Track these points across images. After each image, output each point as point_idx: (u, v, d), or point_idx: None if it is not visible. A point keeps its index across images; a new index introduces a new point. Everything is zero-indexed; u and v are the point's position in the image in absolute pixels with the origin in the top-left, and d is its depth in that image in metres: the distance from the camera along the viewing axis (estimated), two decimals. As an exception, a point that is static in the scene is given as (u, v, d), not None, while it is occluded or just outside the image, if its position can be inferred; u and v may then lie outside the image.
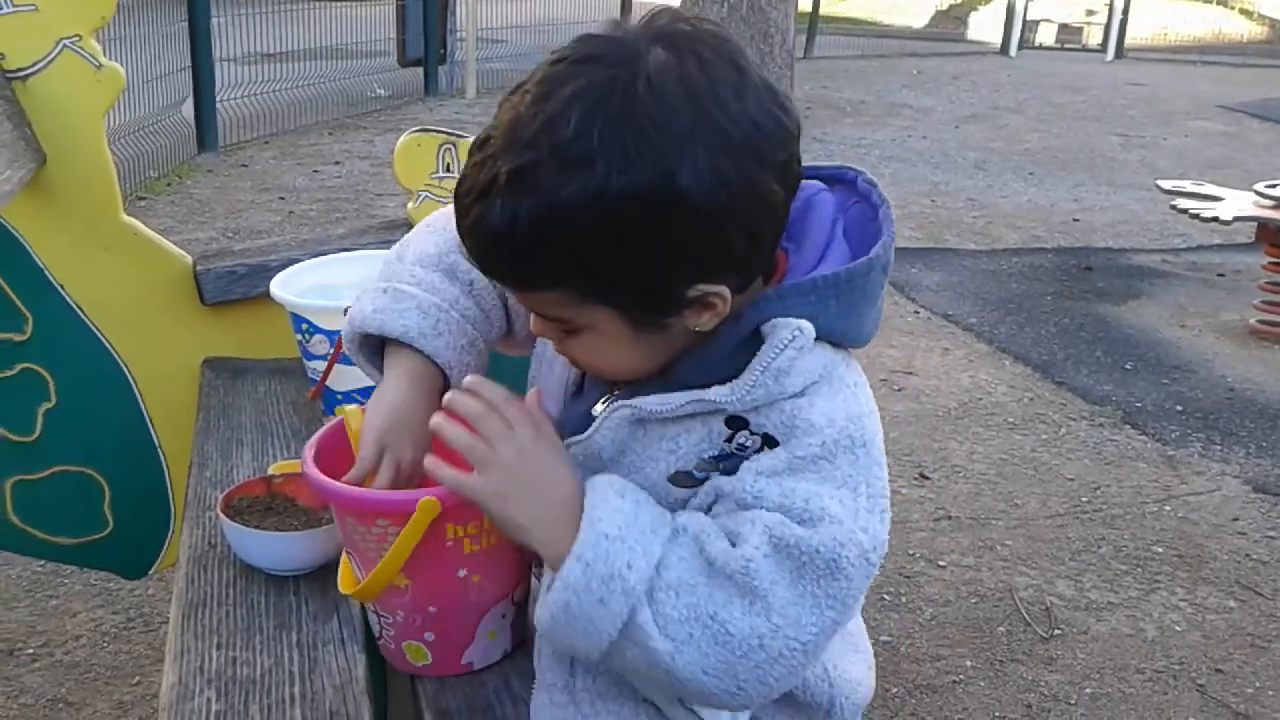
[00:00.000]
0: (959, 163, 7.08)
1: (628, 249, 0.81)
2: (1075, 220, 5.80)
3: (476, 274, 1.05)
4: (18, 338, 1.81)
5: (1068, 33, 14.54)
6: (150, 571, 2.02)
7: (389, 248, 1.82)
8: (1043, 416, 3.42)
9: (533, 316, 0.91)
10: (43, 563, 2.37)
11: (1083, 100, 9.83)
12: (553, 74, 0.82)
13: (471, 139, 2.02)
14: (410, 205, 1.94)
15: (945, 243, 5.28)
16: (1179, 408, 3.50)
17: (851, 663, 1.03)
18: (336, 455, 1.04)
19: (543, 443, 0.92)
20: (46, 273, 1.80)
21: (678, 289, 0.84)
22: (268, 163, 6.35)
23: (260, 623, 1.16)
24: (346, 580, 1.05)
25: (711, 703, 0.90)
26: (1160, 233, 5.60)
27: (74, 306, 1.82)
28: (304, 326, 1.56)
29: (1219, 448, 3.24)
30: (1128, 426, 3.37)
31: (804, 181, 0.91)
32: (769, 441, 0.87)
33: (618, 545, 0.84)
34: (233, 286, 1.86)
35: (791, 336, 0.85)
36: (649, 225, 0.80)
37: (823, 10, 12.80)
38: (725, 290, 0.85)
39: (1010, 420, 3.38)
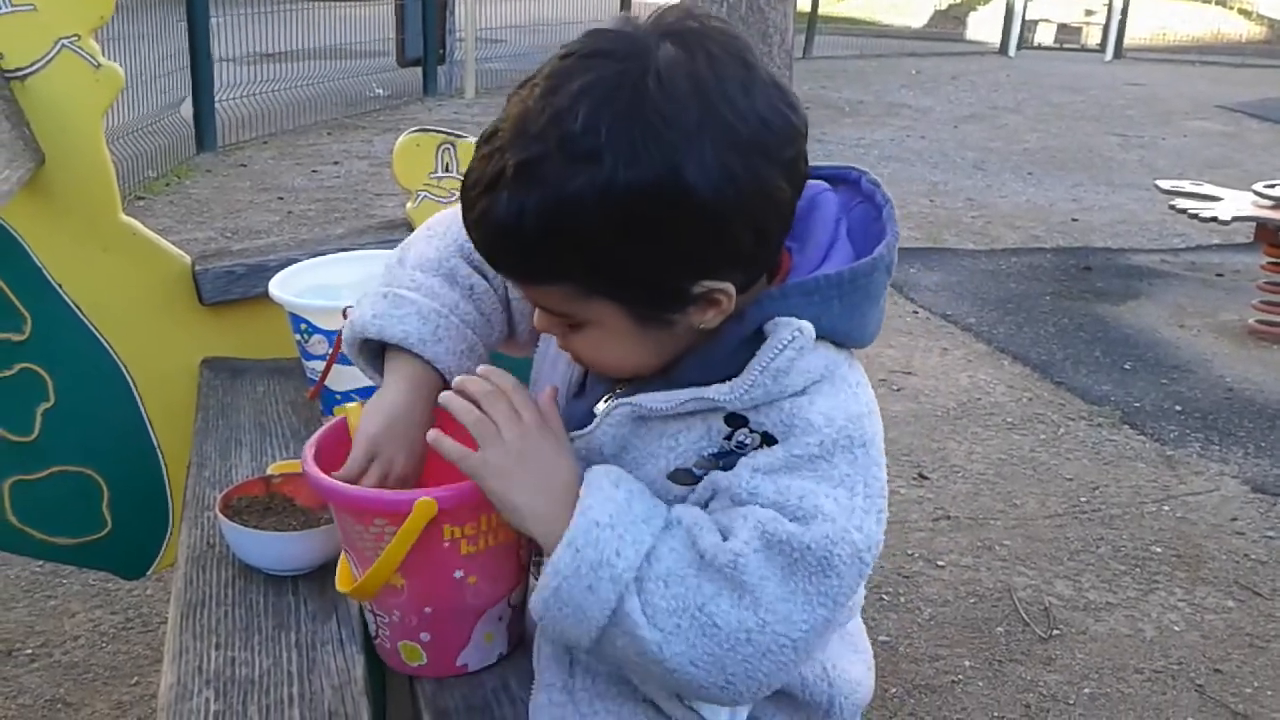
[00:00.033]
0: (958, 163, 7.09)
1: (633, 243, 0.81)
2: (1074, 220, 5.80)
3: (477, 279, 1.05)
4: (16, 338, 1.81)
5: (1066, 33, 14.55)
6: (149, 572, 2.02)
7: (388, 248, 1.83)
8: (1041, 416, 3.43)
9: (537, 311, 0.92)
10: (41, 563, 2.37)
11: (1081, 100, 9.84)
12: (561, 68, 0.82)
13: (470, 139, 2.03)
14: (409, 205, 1.94)
15: (944, 243, 5.28)
16: (1178, 408, 3.51)
17: (851, 663, 1.03)
18: (337, 454, 1.04)
19: (547, 430, 0.93)
20: (45, 272, 1.79)
21: (683, 285, 0.84)
22: (266, 163, 6.34)
23: (259, 623, 1.16)
24: (344, 578, 1.06)
25: (703, 696, 0.90)
26: (1159, 233, 5.60)
27: (72, 306, 1.82)
28: (303, 326, 1.56)
29: (1217, 448, 3.24)
30: (1126, 426, 3.37)
31: (808, 181, 0.91)
32: (768, 439, 0.87)
33: (608, 533, 0.85)
34: (231, 286, 1.86)
35: (791, 337, 0.85)
36: (655, 220, 0.80)
37: (821, 10, 12.80)
38: (730, 287, 0.85)
39: (1009, 420, 3.39)
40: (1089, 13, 14.34)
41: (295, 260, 1.73)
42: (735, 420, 0.88)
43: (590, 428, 0.93)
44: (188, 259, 1.88)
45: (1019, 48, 13.20)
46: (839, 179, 0.96)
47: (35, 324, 1.81)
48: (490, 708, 1.05)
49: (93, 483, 1.90)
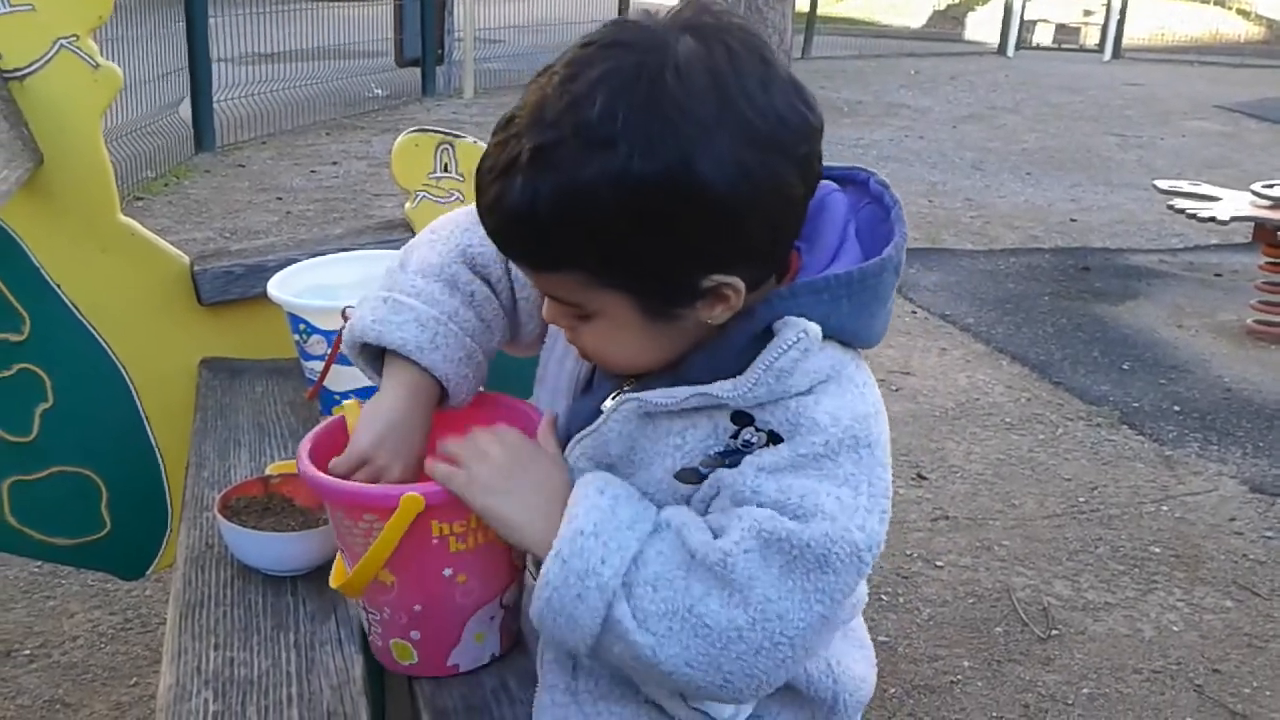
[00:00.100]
0: (956, 163, 7.09)
1: (644, 234, 0.81)
2: (1072, 220, 5.81)
3: (478, 285, 1.05)
4: (15, 338, 1.81)
5: (1065, 33, 14.56)
6: (148, 572, 2.02)
7: (387, 248, 1.84)
8: (1040, 417, 3.43)
9: (546, 301, 0.92)
10: (40, 563, 2.36)
11: (1080, 100, 9.84)
12: (581, 57, 0.82)
13: (469, 139, 2.04)
14: (408, 205, 1.94)
15: (943, 243, 5.28)
16: (1176, 408, 3.51)
17: (855, 659, 1.04)
18: (333, 451, 1.04)
19: (534, 446, 0.96)
20: (43, 273, 1.79)
21: (692, 278, 0.84)
22: (265, 163, 6.34)
23: (258, 623, 1.16)
24: (337, 574, 1.06)
25: (704, 695, 0.91)
26: (1157, 233, 5.61)
27: (71, 307, 1.82)
28: (301, 327, 1.56)
29: (1216, 448, 3.24)
30: (1125, 426, 3.37)
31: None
32: (773, 438, 0.87)
33: (592, 541, 0.86)
34: (230, 287, 1.86)
35: (797, 338, 0.85)
36: (667, 211, 0.80)
37: (820, 10, 12.81)
38: (739, 283, 0.85)
39: (1007, 420, 3.39)
40: (1087, 13, 14.34)
41: (294, 260, 1.73)
42: (742, 418, 0.88)
43: (597, 424, 0.93)
44: (186, 259, 1.88)
45: (1017, 48, 13.20)
46: (847, 179, 0.97)
47: (34, 324, 1.81)
48: (489, 708, 1.05)
49: (91, 483, 1.90)
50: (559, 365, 1.04)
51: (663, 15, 0.84)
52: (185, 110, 6.51)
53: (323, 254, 1.79)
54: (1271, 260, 4.08)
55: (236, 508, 1.26)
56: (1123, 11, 13.24)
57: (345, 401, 1.12)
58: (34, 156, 1.69)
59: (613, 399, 0.96)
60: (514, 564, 1.06)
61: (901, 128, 8.18)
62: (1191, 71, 12.37)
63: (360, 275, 1.70)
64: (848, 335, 0.90)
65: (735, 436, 0.88)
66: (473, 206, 1.09)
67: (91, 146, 1.75)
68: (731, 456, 0.89)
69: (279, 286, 1.59)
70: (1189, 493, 2.97)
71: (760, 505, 0.86)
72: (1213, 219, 4.13)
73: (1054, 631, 2.36)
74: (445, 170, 1.91)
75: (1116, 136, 8.20)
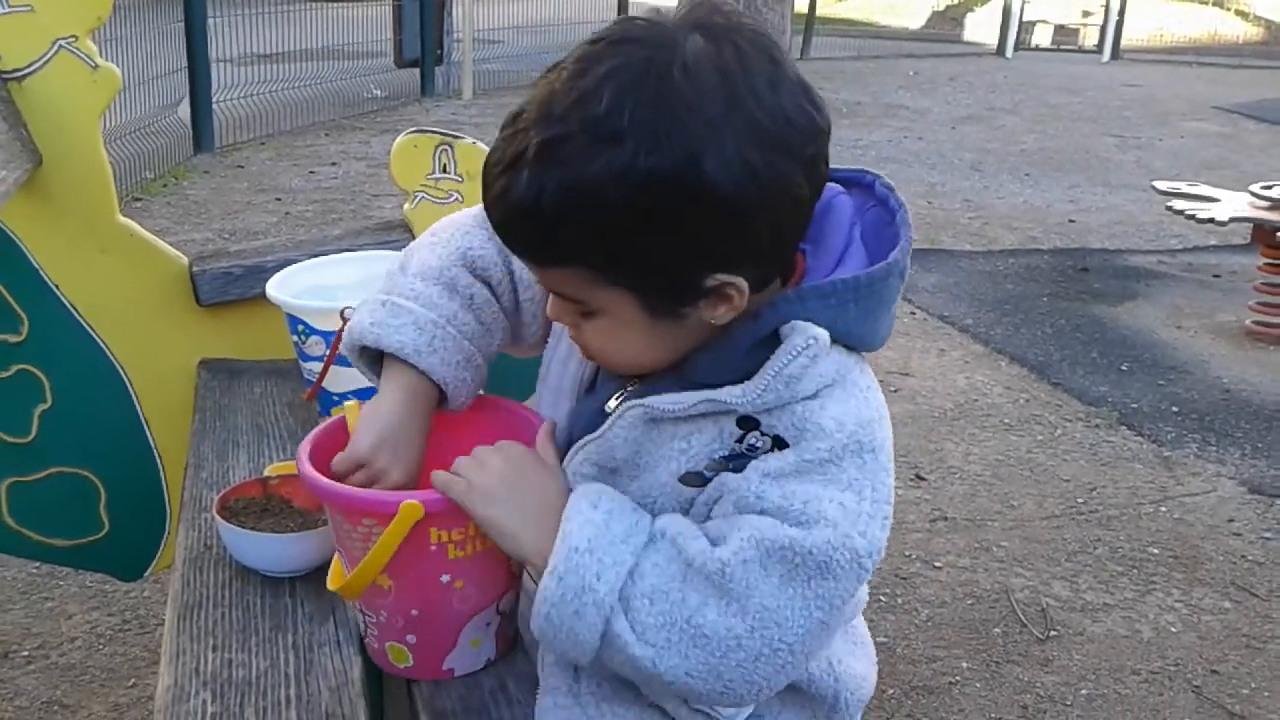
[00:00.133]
0: (955, 164, 7.09)
1: (649, 231, 0.81)
2: (1071, 221, 5.81)
3: (478, 288, 1.05)
4: (13, 339, 1.81)
5: (1064, 34, 14.56)
6: (146, 573, 2.01)
7: (385, 249, 1.84)
8: (1039, 418, 3.43)
9: (550, 298, 0.92)
10: (38, 564, 2.36)
11: (1079, 101, 9.85)
12: (590, 52, 0.82)
13: (468, 140, 2.04)
14: (407, 206, 1.94)
15: (941, 244, 5.28)
16: (1175, 409, 3.51)
17: (856, 658, 1.04)
18: (333, 452, 1.04)
19: (535, 457, 0.97)
20: (42, 274, 1.79)
21: (696, 277, 0.84)
22: (264, 164, 6.34)
23: (256, 624, 1.16)
24: (335, 576, 1.06)
25: (705, 702, 0.92)
26: (1156, 234, 5.61)
27: (70, 308, 1.82)
28: (300, 328, 1.56)
29: (1214, 449, 3.24)
30: (1123, 427, 3.37)
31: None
32: (779, 443, 0.87)
33: (587, 558, 0.87)
34: (229, 287, 1.86)
35: (806, 344, 0.85)
36: (672, 208, 0.80)
37: (819, 11, 12.81)
38: (743, 283, 0.85)
39: (1006, 421, 3.39)
40: (1086, 14, 14.35)
41: (293, 261, 1.73)
42: (747, 423, 0.88)
43: (602, 430, 0.93)
44: (185, 260, 1.88)
45: (1016, 49, 13.21)
46: (853, 182, 0.97)
47: (32, 325, 1.81)
48: (488, 709, 1.05)
49: (90, 484, 1.90)
50: (562, 366, 1.04)
51: (673, 14, 0.84)
52: (184, 111, 6.51)
53: (321, 255, 1.79)
54: (1270, 261, 4.08)
55: (235, 509, 1.26)
56: (1121, 12, 13.25)
57: (346, 402, 1.12)
58: (33, 157, 1.69)
59: (616, 400, 0.96)
60: (511, 571, 1.06)
61: (900, 129, 8.19)
62: (1190, 72, 12.38)
63: (359, 276, 1.70)
64: (853, 339, 0.90)
65: (740, 441, 0.88)
66: (475, 209, 1.09)
67: (90, 147, 1.75)
68: (736, 460, 0.89)
69: (278, 287, 1.59)
70: (1187, 494, 2.98)
71: (763, 511, 0.86)
72: (1211, 220, 4.13)
73: (1052, 632, 2.36)
74: (444, 171, 1.91)
75: (1115, 137, 8.20)
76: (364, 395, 1.09)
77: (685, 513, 0.92)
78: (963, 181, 6.61)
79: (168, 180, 5.84)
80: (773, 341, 0.87)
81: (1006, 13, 13.16)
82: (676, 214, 0.80)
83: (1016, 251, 5.23)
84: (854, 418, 0.87)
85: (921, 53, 12.90)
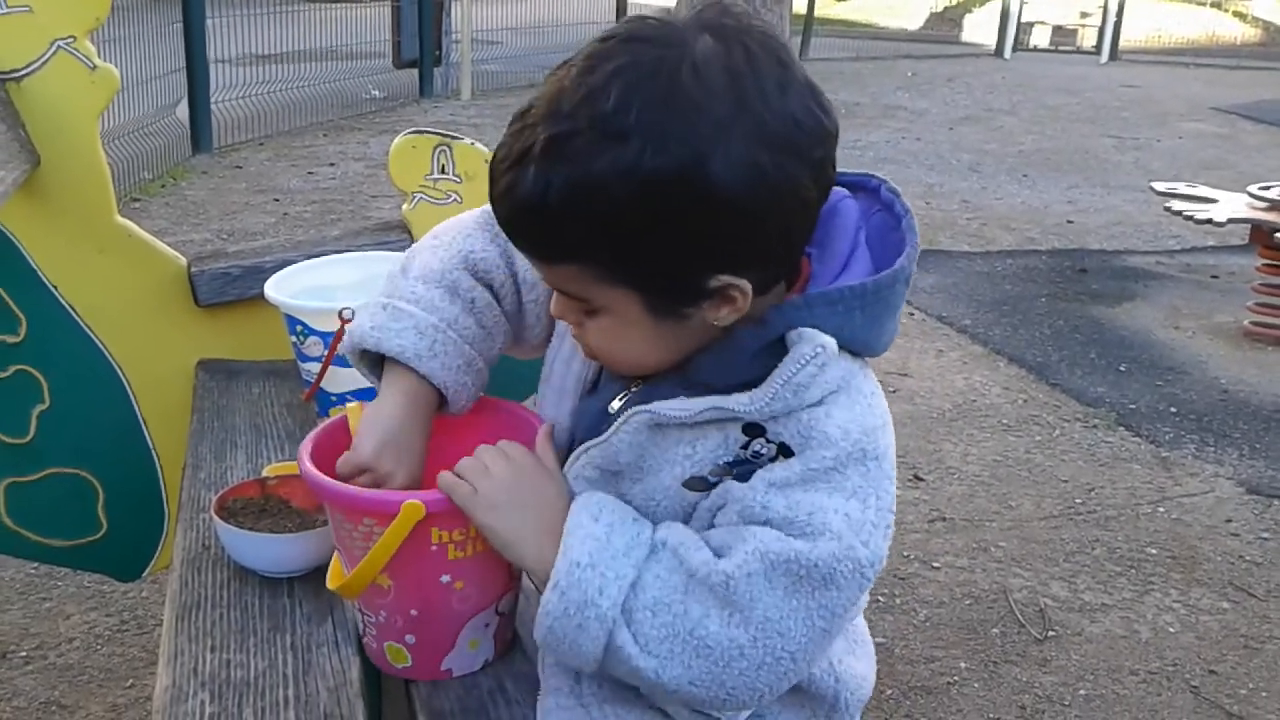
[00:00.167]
0: (953, 165, 7.09)
1: (653, 229, 0.81)
2: (1069, 222, 5.81)
3: (479, 291, 1.05)
4: (11, 339, 1.81)
5: (1062, 35, 14.57)
6: (144, 574, 2.01)
7: (384, 249, 1.84)
8: (1037, 418, 3.43)
9: (554, 296, 0.92)
10: (36, 565, 2.36)
11: (1077, 102, 9.85)
12: (600, 50, 0.82)
13: (466, 141, 2.03)
14: (405, 207, 1.94)
15: (940, 245, 5.28)
16: (1173, 409, 3.51)
17: (857, 658, 1.04)
18: (334, 452, 1.04)
19: (538, 464, 0.97)
20: (40, 274, 1.79)
21: (700, 277, 0.84)
22: (262, 164, 6.34)
23: (254, 625, 1.16)
24: (334, 575, 1.06)
25: (707, 708, 0.92)
26: (1154, 234, 5.61)
27: (68, 308, 1.82)
28: (298, 328, 1.56)
29: (1212, 449, 3.24)
30: (1122, 428, 3.37)
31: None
32: (784, 450, 0.87)
33: (589, 573, 0.87)
34: (227, 288, 1.86)
35: (814, 353, 0.85)
36: (677, 207, 0.80)
37: (818, 12, 12.82)
38: (746, 285, 0.85)
39: (1004, 422, 3.39)
40: (1084, 15, 14.35)
41: (291, 262, 1.73)
42: (752, 429, 0.88)
43: (607, 435, 0.93)
44: (183, 260, 1.88)
45: (1014, 50, 13.21)
46: (858, 186, 0.96)
47: (30, 326, 1.81)
48: (486, 710, 1.05)
49: (88, 484, 1.90)
50: (565, 366, 1.03)
51: (684, 14, 0.85)
52: (182, 111, 6.50)
53: (320, 255, 1.79)
54: (1268, 262, 4.08)
55: (233, 509, 1.26)
56: (1119, 13, 13.25)
57: (349, 403, 1.12)
58: (31, 158, 1.69)
59: (619, 400, 0.96)
60: (511, 572, 1.06)
61: (898, 129, 8.19)
62: (1188, 73, 12.39)
63: (357, 277, 1.70)
64: (858, 345, 0.90)
65: (745, 447, 0.88)
66: (477, 211, 1.09)
67: (89, 148, 1.75)
68: (740, 467, 0.89)
69: (276, 288, 1.59)
70: (1185, 494, 2.98)
71: (769, 521, 0.86)
72: (1209, 221, 4.13)
73: (1051, 633, 2.36)
74: (442, 172, 1.91)
75: (1113, 138, 8.21)
76: (362, 395, 1.09)
77: (688, 516, 0.93)
78: (961, 182, 6.62)
79: (166, 181, 5.84)
80: (778, 346, 0.87)
81: (1005, 14, 13.17)
82: (681, 213, 0.80)
83: (1015, 252, 5.23)
84: (859, 425, 0.87)
85: (920, 54, 12.90)
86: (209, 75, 6.57)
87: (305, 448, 1.04)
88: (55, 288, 1.81)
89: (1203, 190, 4.50)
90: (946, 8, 16.64)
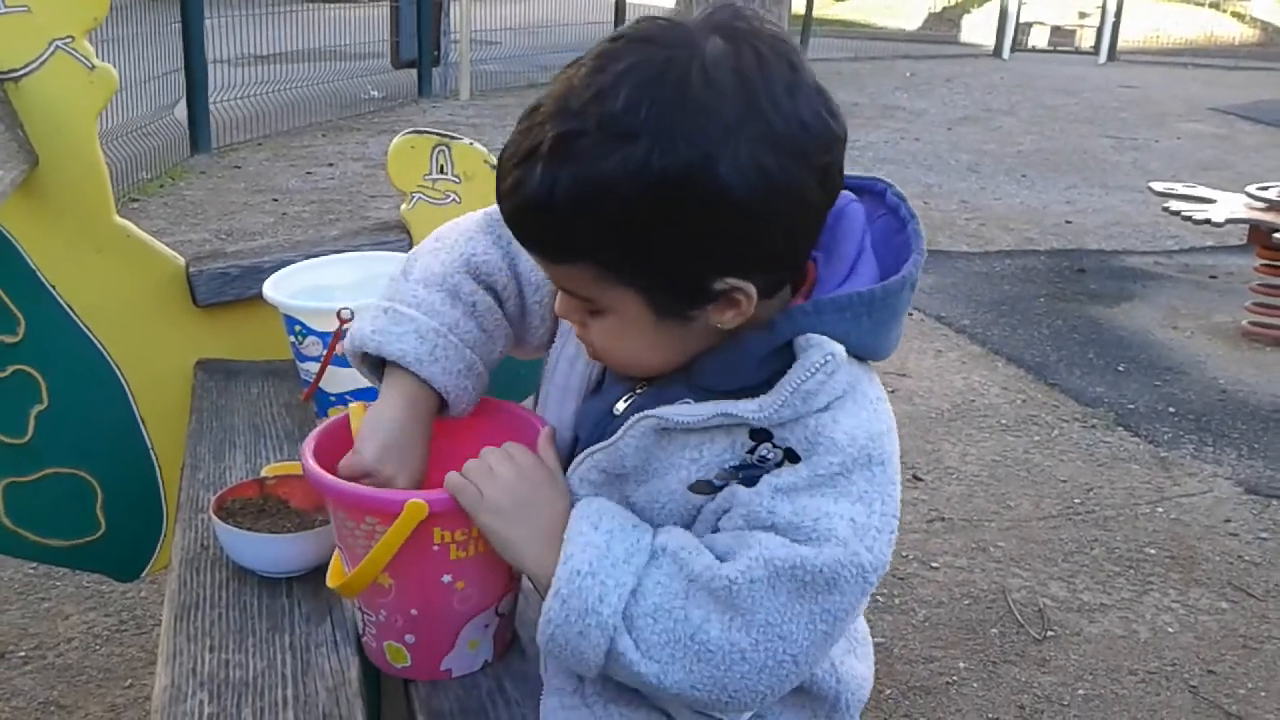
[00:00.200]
0: (952, 165, 7.10)
1: (659, 230, 0.81)
2: (1068, 222, 5.82)
3: (480, 295, 1.05)
4: (10, 339, 1.81)
5: (1060, 35, 14.57)
6: (142, 574, 2.01)
7: (383, 249, 1.85)
8: (1035, 418, 3.43)
9: (559, 295, 0.92)
10: (34, 565, 2.36)
11: (1075, 103, 9.86)
12: (610, 50, 0.82)
13: (465, 141, 2.04)
14: (404, 207, 1.94)
15: (938, 245, 5.28)
16: (1171, 409, 3.51)
17: (858, 658, 1.05)
18: (336, 451, 1.04)
19: (542, 468, 0.97)
20: (38, 274, 1.79)
21: (705, 279, 0.84)
22: (261, 164, 6.34)
23: (253, 625, 1.16)
24: (335, 573, 1.06)
25: (709, 710, 0.93)
26: (1152, 235, 5.62)
27: (66, 308, 1.82)
28: (297, 328, 1.55)
29: (1211, 449, 3.24)
30: (1120, 428, 3.37)
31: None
32: (791, 456, 0.87)
33: (589, 581, 0.87)
34: (225, 288, 1.86)
35: (824, 360, 0.85)
36: (684, 209, 0.80)
37: (816, 13, 12.82)
38: (751, 289, 0.85)
39: (1003, 422, 3.39)
40: (1083, 15, 14.35)
41: (290, 262, 1.73)
42: (759, 434, 0.88)
43: (613, 439, 0.93)
44: (182, 261, 1.88)
45: (1013, 50, 13.22)
46: (864, 189, 0.96)
47: (29, 326, 1.81)
48: (485, 710, 1.05)
49: (86, 485, 1.90)
50: (569, 365, 1.03)
51: (694, 16, 0.84)
52: (181, 111, 6.50)
53: (318, 255, 1.79)
54: (1266, 262, 4.08)
55: (232, 509, 1.26)
56: (1118, 14, 13.26)
57: (351, 404, 1.12)
58: (29, 158, 1.69)
59: (624, 402, 0.96)
60: (512, 573, 1.06)
61: (897, 130, 8.19)
62: (1186, 74, 12.39)
63: (356, 277, 1.70)
64: (865, 351, 0.90)
65: (752, 452, 0.88)
66: (479, 213, 1.09)
67: (87, 148, 1.75)
68: (746, 471, 0.89)
69: (275, 288, 1.59)
70: (1184, 494, 2.98)
71: (774, 526, 0.86)
72: (1208, 221, 4.14)
73: (1049, 633, 2.36)
74: (441, 172, 1.91)
75: (1111, 139, 8.21)
76: (361, 395, 1.09)
77: (692, 519, 0.93)
78: (959, 182, 6.62)
79: (164, 181, 5.84)
80: (785, 351, 0.87)
81: (1003, 14, 13.17)
82: (688, 215, 0.80)
83: (1013, 252, 5.24)
84: (865, 431, 0.88)
85: (918, 54, 12.91)
86: (207, 75, 6.57)
87: (308, 446, 1.04)
88: (54, 288, 1.80)
89: (1201, 190, 4.50)
90: (945, 8, 16.65)
